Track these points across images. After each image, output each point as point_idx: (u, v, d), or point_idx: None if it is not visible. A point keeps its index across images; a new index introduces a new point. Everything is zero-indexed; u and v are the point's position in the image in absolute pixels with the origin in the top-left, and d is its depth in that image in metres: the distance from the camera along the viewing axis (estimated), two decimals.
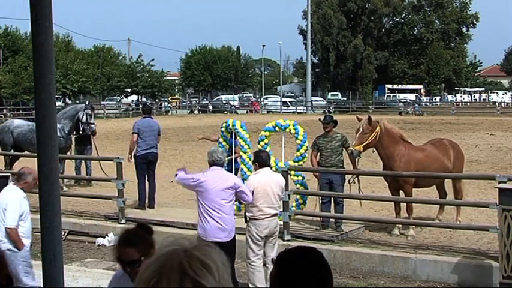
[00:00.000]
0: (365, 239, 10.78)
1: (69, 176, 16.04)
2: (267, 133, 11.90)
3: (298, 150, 11.58)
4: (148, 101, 64.61)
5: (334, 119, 11.81)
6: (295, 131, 11.54)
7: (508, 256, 8.39)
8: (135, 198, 13.88)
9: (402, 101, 62.56)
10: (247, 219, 8.34)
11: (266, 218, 8.13)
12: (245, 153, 11.89)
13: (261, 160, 8.35)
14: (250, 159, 11.52)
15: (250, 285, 8.25)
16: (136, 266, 3.74)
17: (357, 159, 11.21)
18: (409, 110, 56.71)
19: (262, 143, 11.81)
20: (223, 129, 12.50)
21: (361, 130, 10.90)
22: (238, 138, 12.10)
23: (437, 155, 11.41)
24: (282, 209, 10.75)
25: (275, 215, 8.28)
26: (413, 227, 10.92)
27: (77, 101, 59.08)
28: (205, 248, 1.69)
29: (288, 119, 12.45)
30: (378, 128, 10.94)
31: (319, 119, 11.96)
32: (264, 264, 8.30)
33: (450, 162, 11.46)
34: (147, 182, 13.16)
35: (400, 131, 11.63)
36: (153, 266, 1.66)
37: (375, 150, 11.29)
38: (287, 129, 11.67)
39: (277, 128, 11.77)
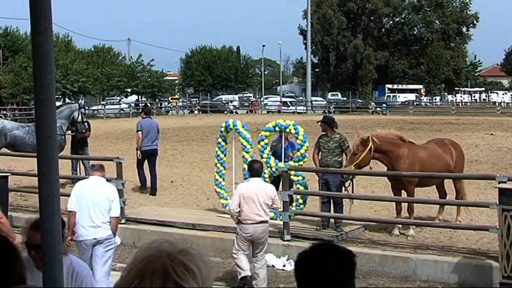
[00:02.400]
0: (365, 239, 10.79)
1: (69, 176, 16.02)
2: (267, 133, 11.91)
3: (298, 150, 11.55)
4: (149, 101, 64.75)
5: (332, 119, 11.85)
6: (296, 131, 11.54)
7: (508, 256, 8.40)
8: (135, 198, 13.88)
9: (374, 101, 66.24)
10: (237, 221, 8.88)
11: (252, 224, 8.60)
12: (247, 153, 11.89)
13: (252, 170, 8.99)
14: (251, 158, 11.59)
15: (238, 269, 8.90)
16: (40, 251, 4.05)
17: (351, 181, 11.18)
18: (378, 109, 59.10)
19: (262, 143, 11.84)
20: (222, 129, 12.50)
21: (352, 151, 10.95)
22: (239, 138, 12.08)
23: (441, 154, 11.45)
24: (282, 209, 10.80)
25: (261, 222, 8.67)
26: (414, 227, 10.93)
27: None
28: (190, 252, 1.69)
29: (288, 119, 12.46)
30: (371, 144, 10.91)
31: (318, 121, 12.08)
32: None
33: (452, 161, 11.49)
34: (147, 173, 15.56)
35: (397, 133, 11.63)
36: (136, 268, 1.66)
37: (372, 167, 11.35)
38: (287, 129, 11.66)
39: (277, 128, 11.76)
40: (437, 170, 11.11)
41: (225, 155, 12.51)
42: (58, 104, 18.05)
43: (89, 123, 16.70)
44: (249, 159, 11.62)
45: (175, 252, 1.67)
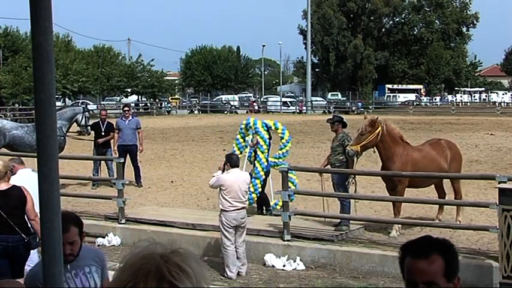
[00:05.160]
0: (365, 239, 10.78)
1: (71, 176, 16.02)
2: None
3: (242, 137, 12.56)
4: (149, 101, 64.81)
5: (342, 119, 11.91)
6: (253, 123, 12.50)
7: (508, 256, 8.40)
8: (135, 198, 13.88)
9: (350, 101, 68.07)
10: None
11: (234, 210, 9.51)
12: (263, 152, 11.90)
13: (232, 162, 9.73)
14: (266, 160, 11.97)
15: (225, 266, 9.64)
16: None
17: (355, 160, 11.21)
18: (354, 108, 60.09)
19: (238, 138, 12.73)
20: (242, 126, 12.56)
21: (360, 130, 10.94)
22: (257, 137, 12.15)
23: (435, 156, 11.39)
24: (282, 209, 10.82)
25: (243, 208, 9.65)
26: (397, 228, 10.88)
27: (77, 101, 59.22)
28: (183, 253, 1.71)
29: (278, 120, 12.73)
30: (380, 128, 10.92)
31: (327, 120, 12.23)
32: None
33: (446, 163, 11.43)
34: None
35: (400, 132, 11.64)
36: (129, 269, 1.67)
37: (375, 150, 11.31)
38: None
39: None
40: (431, 171, 11.07)
41: (241, 152, 12.51)
42: (60, 105, 18.22)
43: (112, 125, 16.73)
44: (263, 159, 11.85)
45: (168, 253, 1.69)
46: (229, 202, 9.48)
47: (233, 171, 9.65)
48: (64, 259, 4.34)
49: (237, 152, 12.54)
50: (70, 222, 4.37)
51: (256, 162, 11.96)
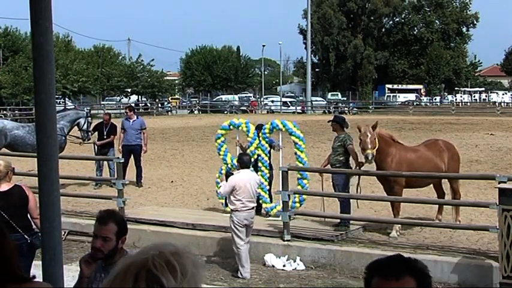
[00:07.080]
0: (365, 239, 10.78)
1: (70, 176, 16.03)
2: (223, 131, 12.61)
3: (248, 147, 12.16)
4: (149, 101, 64.83)
5: (342, 119, 11.91)
6: (247, 129, 12.21)
7: (508, 256, 8.40)
8: (135, 198, 13.87)
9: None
10: (230, 210, 9.69)
11: (246, 210, 9.53)
12: (302, 152, 11.75)
13: (242, 162, 9.80)
14: (306, 157, 11.90)
15: (239, 266, 9.58)
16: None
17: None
18: (345, 109, 59.70)
19: (218, 141, 12.53)
20: (266, 131, 12.17)
21: (369, 135, 10.65)
22: (293, 137, 11.88)
23: (430, 156, 11.35)
24: (282, 209, 10.83)
25: (253, 207, 9.69)
26: (397, 228, 10.88)
27: (77, 101, 59.18)
28: (182, 254, 1.68)
29: (241, 118, 12.86)
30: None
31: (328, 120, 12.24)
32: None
33: (444, 163, 11.38)
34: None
35: (389, 132, 11.62)
36: (123, 263, 1.69)
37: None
38: (240, 127, 12.36)
39: (231, 127, 12.52)
40: (426, 171, 11.05)
41: (269, 158, 12.22)
42: (61, 106, 18.39)
43: (115, 127, 16.70)
44: (304, 158, 11.73)
45: (167, 251, 1.67)
46: (242, 202, 9.48)
47: (243, 172, 9.68)
48: (93, 253, 4.28)
49: (265, 158, 12.18)
50: (111, 218, 4.23)
51: (298, 163, 11.73)
